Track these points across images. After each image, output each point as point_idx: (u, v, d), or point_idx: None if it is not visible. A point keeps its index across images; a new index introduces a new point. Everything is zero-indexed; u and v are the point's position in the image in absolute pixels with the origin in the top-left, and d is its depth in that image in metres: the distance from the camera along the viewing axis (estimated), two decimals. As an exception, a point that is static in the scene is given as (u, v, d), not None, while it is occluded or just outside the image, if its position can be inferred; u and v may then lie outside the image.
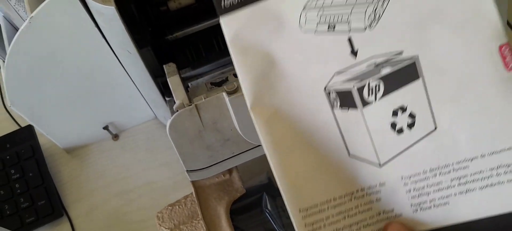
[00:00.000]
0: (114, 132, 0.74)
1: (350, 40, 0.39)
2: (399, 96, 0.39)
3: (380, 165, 0.40)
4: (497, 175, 0.39)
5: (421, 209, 0.40)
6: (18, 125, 0.77)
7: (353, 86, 0.38)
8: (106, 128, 0.72)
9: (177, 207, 0.62)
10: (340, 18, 0.38)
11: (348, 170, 0.40)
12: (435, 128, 0.39)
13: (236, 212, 0.62)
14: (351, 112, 0.39)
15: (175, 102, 0.51)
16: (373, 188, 0.40)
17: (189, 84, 0.57)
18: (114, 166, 0.73)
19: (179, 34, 0.61)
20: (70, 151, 0.74)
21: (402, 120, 0.39)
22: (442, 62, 0.38)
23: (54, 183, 0.71)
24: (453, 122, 0.39)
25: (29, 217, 0.68)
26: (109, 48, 0.55)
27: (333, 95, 0.39)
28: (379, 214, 0.41)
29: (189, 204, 0.62)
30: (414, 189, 0.40)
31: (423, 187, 0.40)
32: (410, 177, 0.40)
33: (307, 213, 0.40)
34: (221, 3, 0.38)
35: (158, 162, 0.73)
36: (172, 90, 0.51)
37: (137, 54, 0.55)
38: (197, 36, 0.62)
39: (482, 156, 0.39)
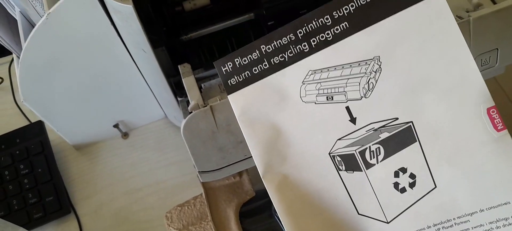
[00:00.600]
0: (124, 130, 0.74)
1: (348, 109, 0.42)
2: (399, 159, 0.42)
3: (388, 222, 0.43)
4: (497, 227, 0.42)
5: None
6: (28, 120, 0.77)
7: (356, 151, 0.42)
8: (116, 126, 0.72)
9: (186, 207, 0.62)
10: (337, 89, 0.42)
11: (358, 227, 0.43)
12: (435, 187, 0.42)
13: (245, 214, 0.62)
14: (356, 174, 0.42)
15: (188, 103, 0.50)
16: None
17: (202, 85, 0.57)
18: (123, 164, 0.73)
19: (194, 35, 0.61)
20: (80, 148, 0.74)
21: (404, 180, 0.42)
22: (436, 126, 0.42)
23: (63, 179, 0.71)
24: (451, 180, 0.42)
25: (37, 213, 0.68)
26: (124, 47, 0.55)
27: (338, 159, 0.42)
28: None
29: (198, 205, 0.62)
30: None
31: None
32: None
33: None
34: (228, 82, 0.42)
35: (167, 162, 0.73)
36: (187, 91, 0.50)
37: (152, 53, 0.54)
38: (211, 37, 0.62)
39: (481, 210, 0.42)
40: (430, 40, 0.41)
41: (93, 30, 0.52)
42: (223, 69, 0.42)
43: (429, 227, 0.43)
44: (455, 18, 0.51)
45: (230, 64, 0.42)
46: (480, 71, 0.54)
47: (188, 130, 0.48)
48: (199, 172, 0.52)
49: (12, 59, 0.81)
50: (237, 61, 0.42)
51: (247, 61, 0.42)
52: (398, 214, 0.43)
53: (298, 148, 0.43)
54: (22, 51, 0.51)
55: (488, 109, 0.41)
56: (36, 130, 0.72)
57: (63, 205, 0.69)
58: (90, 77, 0.60)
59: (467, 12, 0.52)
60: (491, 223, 0.42)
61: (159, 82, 0.61)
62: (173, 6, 0.60)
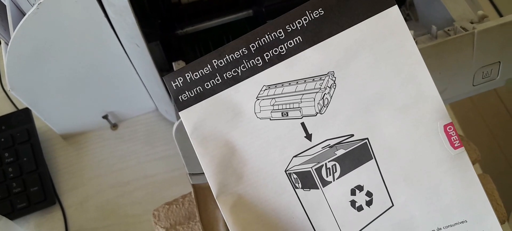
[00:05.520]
0: (113, 122, 0.72)
1: (303, 125, 0.41)
2: (355, 176, 0.41)
3: None
4: None
5: None
6: (15, 107, 0.75)
7: (312, 168, 0.40)
8: (105, 116, 0.70)
9: (175, 206, 0.61)
10: (292, 105, 0.40)
11: None
12: (392, 205, 0.41)
13: (234, 216, 0.61)
14: (313, 192, 0.41)
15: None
16: None
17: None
18: (111, 156, 0.72)
19: (189, 29, 0.59)
20: (67, 137, 0.72)
21: (361, 198, 0.41)
22: (392, 144, 0.41)
23: (49, 169, 0.69)
24: (408, 199, 0.41)
25: (21, 202, 0.66)
26: (117, 39, 0.53)
27: (294, 177, 0.41)
28: None
29: (186, 204, 0.60)
30: None
31: None
32: None
33: None
34: (179, 98, 0.40)
35: (156, 155, 0.72)
36: (181, 91, 0.49)
37: (146, 48, 0.53)
38: (207, 32, 0.61)
39: (439, 229, 0.41)
40: (385, 56, 0.40)
41: (85, 22, 0.50)
42: (173, 85, 0.40)
43: None
44: (460, 29, 0.50)
45: (180, 79, 0.40)
46: (481, 84, 0.54)
47: (180, 132, 0.47)
48: (189, 174, 0.51)
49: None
50: (188, 76, 0.40)
51: (198, 76, 0.40)
52: None
53: (253, 166, 0.41)
54: (10, 40, 0.49)
55: (445, 126, 0.40)
56: (23, 117, 0.70)
57: (48, 196, 0.67)
58: (81, 68, 0.58)
59: (472, 23, 0.51)
60: None
61: (151, 77, 0.59)
62: (169, -2, 0.59)
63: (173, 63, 0.53)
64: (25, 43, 0.50)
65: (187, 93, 0.40)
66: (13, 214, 0.66)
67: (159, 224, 0.60)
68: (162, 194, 0.68)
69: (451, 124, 0.40)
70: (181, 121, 0.46)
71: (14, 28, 0.49)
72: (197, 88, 0.40)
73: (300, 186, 0.41)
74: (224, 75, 0.40)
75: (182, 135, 0.47)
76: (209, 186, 0.60)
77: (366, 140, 0.41)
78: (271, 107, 0.40)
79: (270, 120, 0.41)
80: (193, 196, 0.60)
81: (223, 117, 0.41)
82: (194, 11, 0.60)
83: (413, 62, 0.40)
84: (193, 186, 0.59)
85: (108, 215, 0.68)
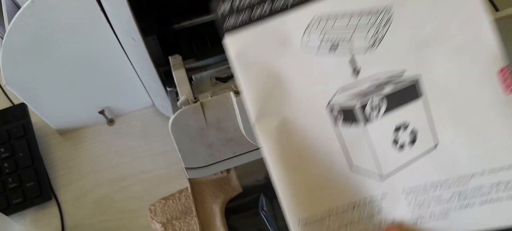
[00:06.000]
0: (109, 117, 0.72)
1: (352, 60, 0.39)
2: (401, 114, 0.40)
3: (382, 177, 0.41)
4: (497, 191, 0.40)
5: (421, 221, 0.41)
6: (11, 102, 0.74)
7: (356, 103, 0.39)
8: (101, 112, 0.70)
9: (171, 201, 0.61)
10: (342, 39, 0.39)
11: (350, 182, 0.41)
12: (436, 145, 0.40)
13: (231, 211, 0.61)
14: (354, 127, 0.40)
15: (177, 94, 0.49)
16: (374, 199, 0.41)
17: (193, 76, 0.56)
18: (107, 152, 0.71)
19: (186, 24, 0.59)
20: (63, 132, 0.72)
21: (404, 137, 0.40)
22: (444, 83, 0.40)
23: (45, 164, 0.69)
24: (454, 140, 0.40)
25: (16, 198, 0.66)
26: (113, 33, 0.53)
27: (336, 111, 0.40)
28: (380, 224, 0.42)
29: (183, 199, 0.60)
30: (414, 202, 0.41)
31: (424, 200, 0.41)
32: (411, 190, 0.41)
33: (307, 221, 0.41)
34: (224, 23, 0.39)
35: (153, 151, 0.71)
36: (177, 85, 0.49)
37: (142, 42, 0.53)
38: (204, 27, 0.60)
39: (482, 173, 0.40)
40: None
41: (81, 15, 0.50)
42: (220, 9, 0.39)
43: (425, 186, 0.41)
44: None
45: (228, 5, 0.39)
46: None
47: (177, 125, 0.46)
48: (185, 168, 0.51)
49: (-4, 37, 0.78)
50: (235, 1, 0.39)
51: (246, 2, 0.39)
52: (394, 170, 0.41)
53: (296, 96, 0.40)
54: (6, 33, 0.49)
55: (500, 70, 0.39)
56: (19, 112, 0.70)
57: (44, 191, 0.67)
58: (77, 62, 0.58)
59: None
60: (491, 186, 0.40)
61: (148, 71, 0.59)
62: (166, -8, 0.58)
63: (170, 58, 0.52)
64: (21, 36, 0.50)
65: (233, 19, 0.39)
66: (8, 210, 0.65)
67: (156, 219, 0.60)
68: (158, 189, 0.68)
69: (506, 67, 0.39)
70: (177, 115, 0.46)
71: (9, 21, 0.49)
72: (244, 15, 0.39)
73: (342, 121, 0.40)
74: (273, 4, 0.39)
75: (178, 129, 0.47)
76: (206, 181, 0.61)
77: (418, 77, 0.40)
78: (321, 39, 0.39)
79: (318, 52, 0.40)
80: (189, 190, 0.60)
81: (269, 46, 0.40)
82: (190, 6, 0.59)
83: (472, 4, 0.39)
84: (190, 180, 0.59)
85: (104, 210, 0.67)
